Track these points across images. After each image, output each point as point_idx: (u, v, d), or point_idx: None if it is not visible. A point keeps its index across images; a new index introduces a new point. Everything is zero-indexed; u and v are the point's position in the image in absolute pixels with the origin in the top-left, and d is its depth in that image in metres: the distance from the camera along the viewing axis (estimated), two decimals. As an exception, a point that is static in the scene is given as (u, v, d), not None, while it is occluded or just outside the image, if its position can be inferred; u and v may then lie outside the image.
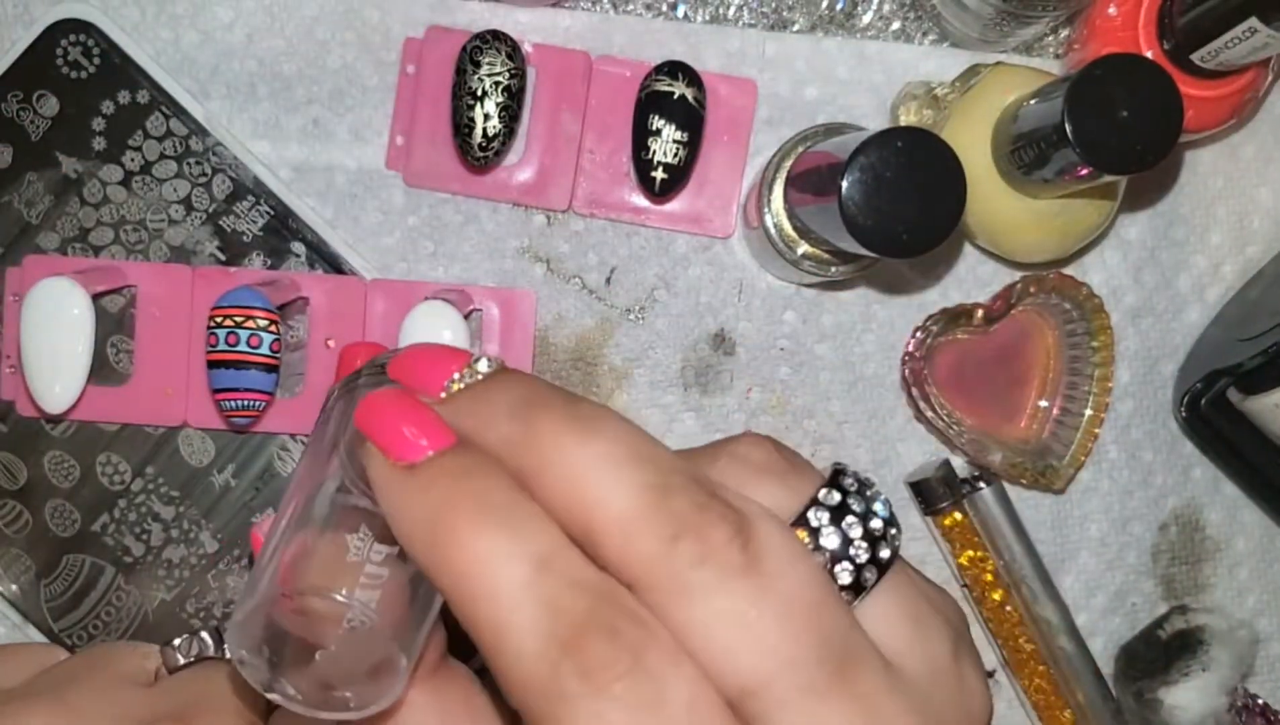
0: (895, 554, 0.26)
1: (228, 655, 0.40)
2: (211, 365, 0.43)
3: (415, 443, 0.25)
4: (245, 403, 0.43)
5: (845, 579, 0.25)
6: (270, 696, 0.28)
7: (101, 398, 0.46)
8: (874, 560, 0.26)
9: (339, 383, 0.30)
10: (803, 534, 0.25)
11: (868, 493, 0.27)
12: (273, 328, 0.43)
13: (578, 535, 0.24)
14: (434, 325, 0.43)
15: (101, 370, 0.46)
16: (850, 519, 0.26)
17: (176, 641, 0.40)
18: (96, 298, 0.44)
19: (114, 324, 0.46)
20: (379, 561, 0.29)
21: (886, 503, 0.27)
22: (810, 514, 0.26)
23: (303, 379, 0.47)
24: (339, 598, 0.28)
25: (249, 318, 0.42)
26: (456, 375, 0.26)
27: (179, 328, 0.46)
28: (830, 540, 0.26)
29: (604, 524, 0.24)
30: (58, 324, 0.43)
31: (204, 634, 0.40)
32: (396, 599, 0.28)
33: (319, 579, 0.28)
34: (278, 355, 0.43)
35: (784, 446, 0.28)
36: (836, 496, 0.26)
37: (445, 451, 0.25)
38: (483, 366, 0.27)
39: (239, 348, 0.42)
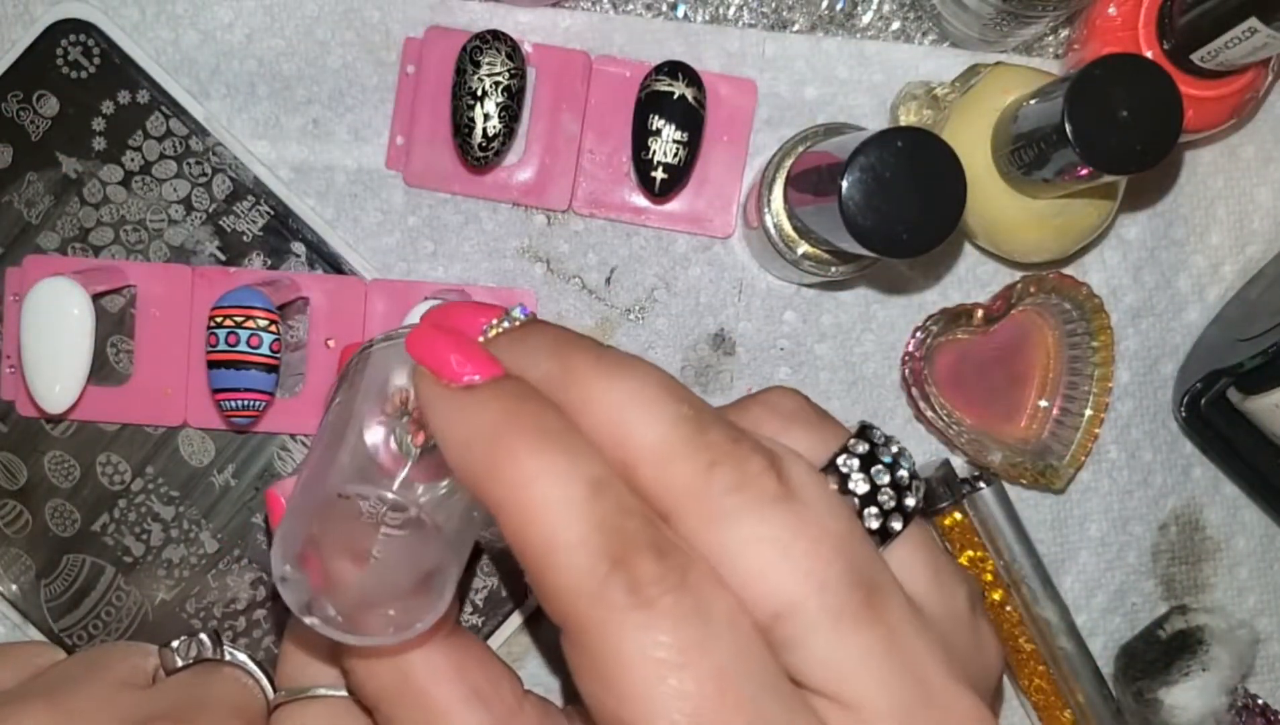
0: (919, 504, 0.27)
1: (228, 657, 0.40)
2: (211, 365, 0.43)
3: (464, 369, 0.26)
4: (245, 403, 0.43)
5: (873, 524, 0.27)
6: (308, 620, 0.28)
7: (101, 398, 0.46)
8: (899, 508, 0.27)
9: (352, 356, 0.31)
10: (832, 480, 0.27)
11: (894, 447, 0.28)
12: (273, 328, 0.43)
13: (615, 470, 0.25)
14: None
15: (101, 370, 0.46)
16: (878, 467, 0.27)
17: (175, 643, 0.40)
18: (96, 298, 0.44)
19: (114, 324, 0.46)
20: (417, 463, 0.29)
21: (911, 458, 0.28)
22: (840, 460, 0.27)
23: (303, 379, 0.47)
24: (389, 494, 0.28)
25: (249, 318, 0.42)
26: (495, 321, 0.28)
27: (179, 328, 0.46)
28: (859, 486, 0.27)
29: (641, 453, 0.25)
30: (58, 324, 0.43)
31: (202, 635, 0.40)
32: (440, 505, 0.29)
33: (366, 479, 0.29)
34: (278, 355, 0.43)
35: (813, 402, 0.29)
36: (865, 446, 0.27)
37: (501, 377, 0.26)
38: (518, 313, 0.28)
39: (239, 348, 0.42)
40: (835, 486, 0.27)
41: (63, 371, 0.43)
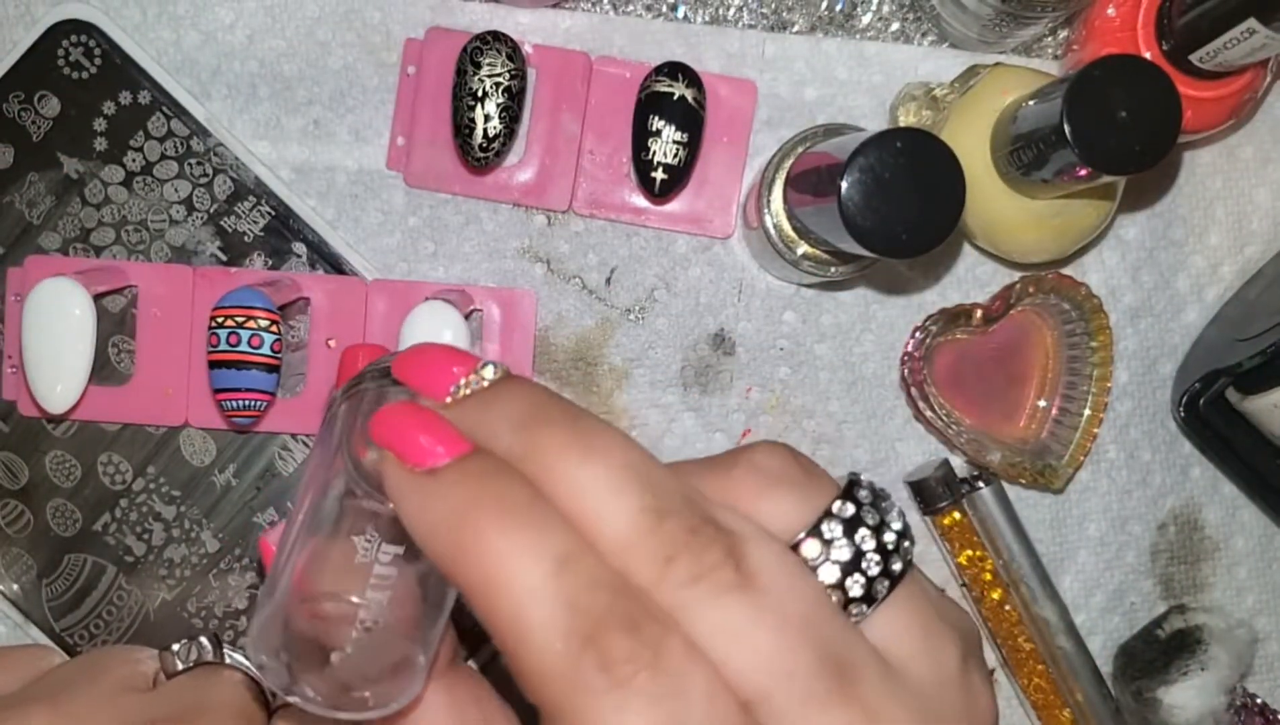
0: (908, 566, 0.26)
1: (228, 660, 0.40)
2: (213, 365, 0.43)
3: (432, 450, 0.25)
4: (246, 403, 0.43)
5: (857, 591, 0.26)
6: (290, 699, 0.28)
7: (103, 397, 0.46)
8: (886, 572, 0.26)
9: (341, 387, 0.31)
10: (816, 544, 0.26)
11: (882, 504, 0.27)
12: (274, 328, 0.43)
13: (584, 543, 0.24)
14: (434, 325, 0.43)
15: (103, 370, 0.46)
16: (863, 532, 0.26)
17: (175, 646, 0.40)
18: (98, 298, 0.44)
19: (115, 324, 0.47)
20: (387, 562, 0.29)
21: (901, 515, 0.27)
22: (824, 526, 0.26)
23: (304, 379, 0.47)
24: (352, 599, 0.28)
25: (250, 318, 0.42)
26: (463, 381, 0.27)
27: (180, 328, 0.46)
28: (842, 552, 0.26)
29: (603, 544, 0.24)
30: (59, 324, 0.43)
31: (203, 639, 0.40)
32: (408, 598, 0.29)
33: (331, 583, 0.29)
34: (279, 355, 0.43)
35: (800, 455, 0.28)
36: (850, 508, 0.26)
37: (465, 456, 0.25)
38: (489, 373, 0.27)
39: (240, 348, 0.42)
40: (819, 552, 0.26)
41: (64, 371, 0.43)
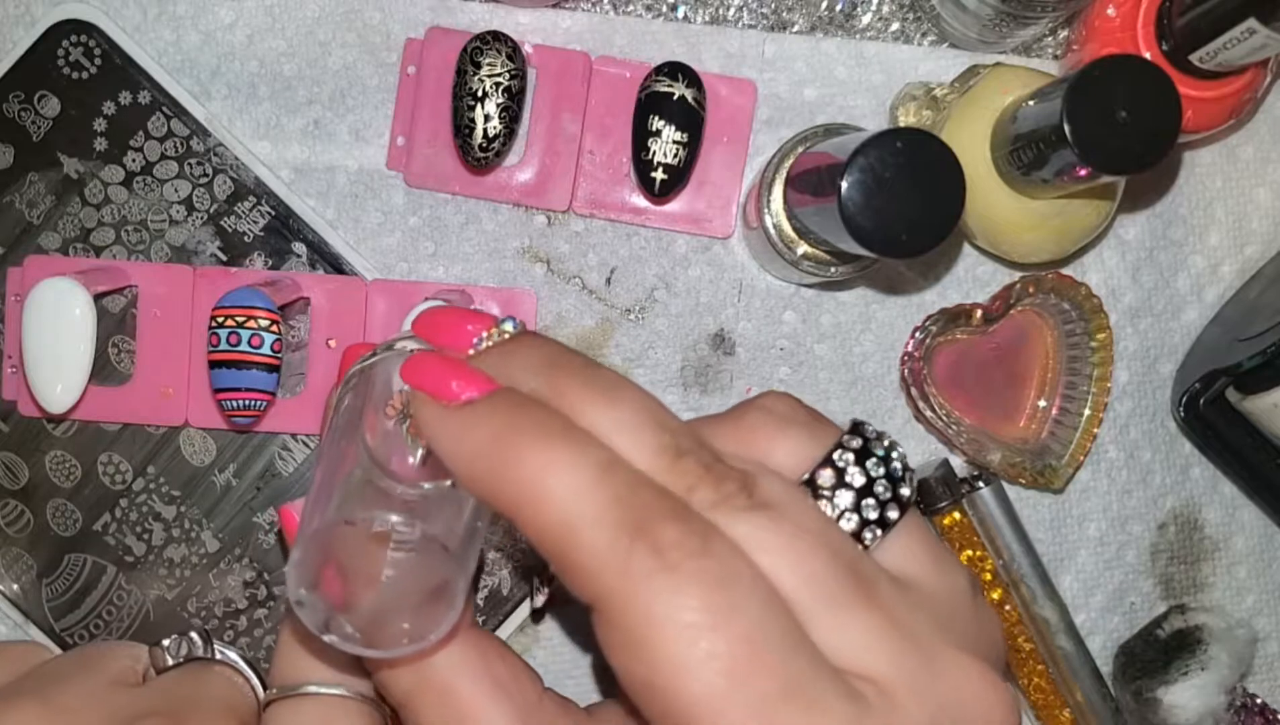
0: (914, 494, 0.28)
1: (218, 656, 0.40)
2: (213, 365, 0.43)
3: (465, 389, 0.27)
4: (247, 402, 0.43)
5: (871, 514, 0.28)
6: (327, 638, 0.29)
7: (103, 398, 0.46)
8: (895, 498, 0.28)
9: (350, 369, 0.31)
10: (830, 473, 0.28)
11: (886, 441, 0.29)
12: (274, 328, 0.43)
13: None
14: None
15: (103, 370, 0.46)
16: (872, 460, 0.28)
17: (166, 642, 0.40)
18: (98, 298, 0.44)
19: (115, 324, 0.47)
20: (417, 496, 0.30)
21: (902, 451, 0.29)
22: (835, 455, 0.28)
23: (304, 379, 0.47)
24: (391, 518, 0.29)
25: (250, 318, 0.42)
26: (484, 334, 0.29)
27: (180, 328, 0.46)
28: (855, 479, 0.28)
29: None
30: (59, 324, 0.43)
31: (193, 634, 0.40)
32: (445, 522, 0.30)
33: (370, 505, 0.29)
34: (279, 355, 0.43)
35: (805, 404, 0.30)
36: (858, 442, 0.28)
37: (496, 390, 0.27)
38: (508, 327, 0.29)
39: (240, 347, 0.42)
40: (832, 480, 0.28)
41: (64, 371, 0.43)
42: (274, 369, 0.43)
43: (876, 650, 0.25)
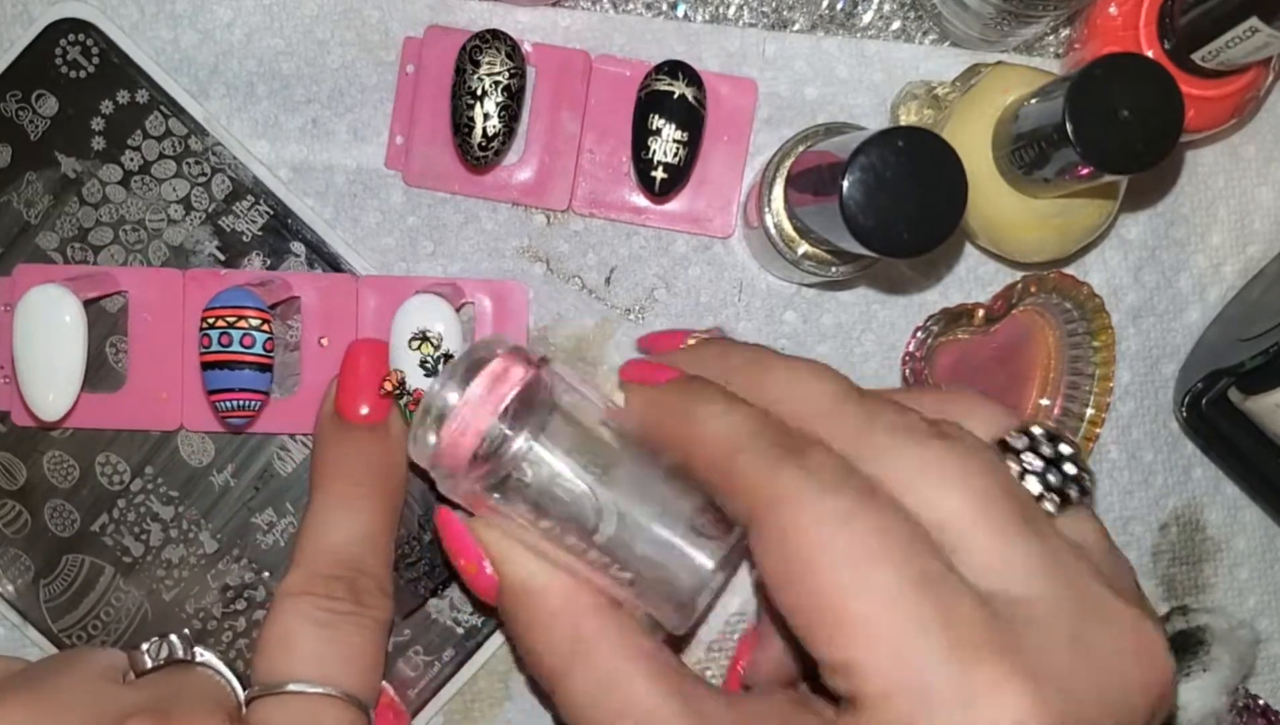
0: (1093, 490, 0.32)
1: (198, 659, 0.40)
2: (205, 366, 0.42)
3: (661, 376, 0.35)
4: (240, 403, 0.43)
5: (1053, 480, 0.31)
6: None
7: (97, 404, 0.46)
8: (1078, 478, 0.31)
9: (528, 372, 0.37)
10: (1023, 438, 0.31)
11: (1072, 445, 0.32)
12: (265, 327, 0.42)
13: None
14: (426, 317, 0.42)
15: (100, 371, 0.46)
16: (1063, 445, 0.31)
17: (145, 645, 0.40)
18: (89, 303, 0.44)
19: (112, 325, 0.46)
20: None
21: (1085, 461, 0.32)
22: (1031, 427, 0.32)
23: (299, 379, 0.46)
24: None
25: (241, 317, 0.42)
26: (689, 339, 0.40)
27: (172, 332, 0.46)
28: (1045, 449, 0.31)
29: (815, 408, 0.31)
30: (50, 331, 0.42)
31: (173, 637, 0.40)
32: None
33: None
34: (271, 354, 0.43)
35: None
36: (1050, 429, 0.31)
37: (681, 375, 0.35)
38: (701, 332, 0.41)
39: (232, 348, 0.42)
40: (1024, 443, 0.31)
41: (57, 379, 0.43)
42: (266, 368, 0.43)
43: (1037, 576, 0.27)
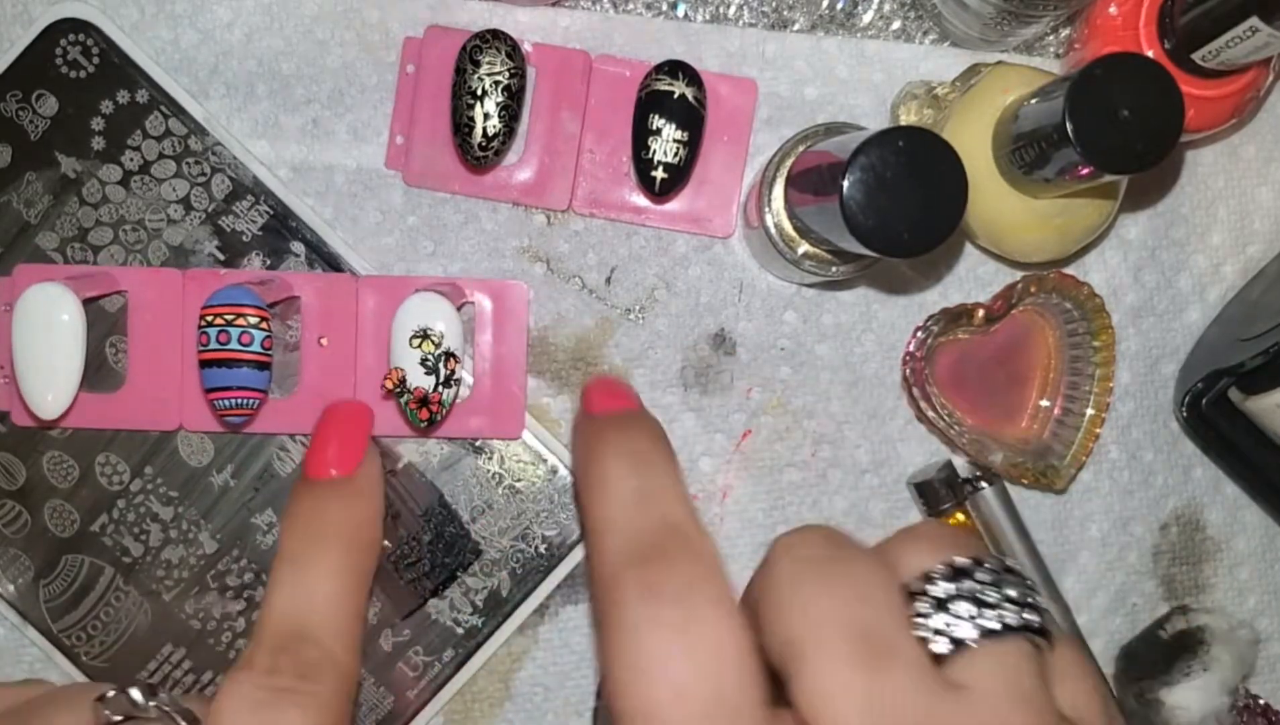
0: (1009, 631, 0.27)
1: (156, 707, 0.38)
2: (203, 364, 0.42)
3: (602, 405, 0.36)
4: (238, 401, 0.42)
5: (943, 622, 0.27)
6: None
7: (96, 404, 0.46)
8: (980, 621, 0.27)
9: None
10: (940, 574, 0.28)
11: (1008, 578, 0.28)
12: (264, 325, 0.42)
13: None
14: (428, 315, 0.42)
15: (100, 371, 0.46)
16: (979, 584, 0.27)
17: (109, 693, 0.37)
18: (88, 303, 0.44)
19: (112, 324, 0.46)
20: None
21: (1025, 592, 0.28)
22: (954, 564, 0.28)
23: (298, 379, 0.46)
24: None
25: (239, 316, 0.42)
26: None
27: (171, 332, 0.46)
28: (945, 588, 0.27)
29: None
30: (49, 330, 0.42)
31: (133, 690, 0.38)
32: None
33: None
34: (269, 352, 0.43)
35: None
36: (971, 564, 0.28)
37: (623, 411, 0.35)
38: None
39: (230, 346, 0.42)
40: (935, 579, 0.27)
41: (56, 378, 0.43)
42: (265, 367, 0.43)
43: (852, 713, 0.25)
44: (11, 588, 0.47)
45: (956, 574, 0.27)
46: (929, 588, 0.27)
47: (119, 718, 0.36)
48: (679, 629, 0.26)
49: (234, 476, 0.47)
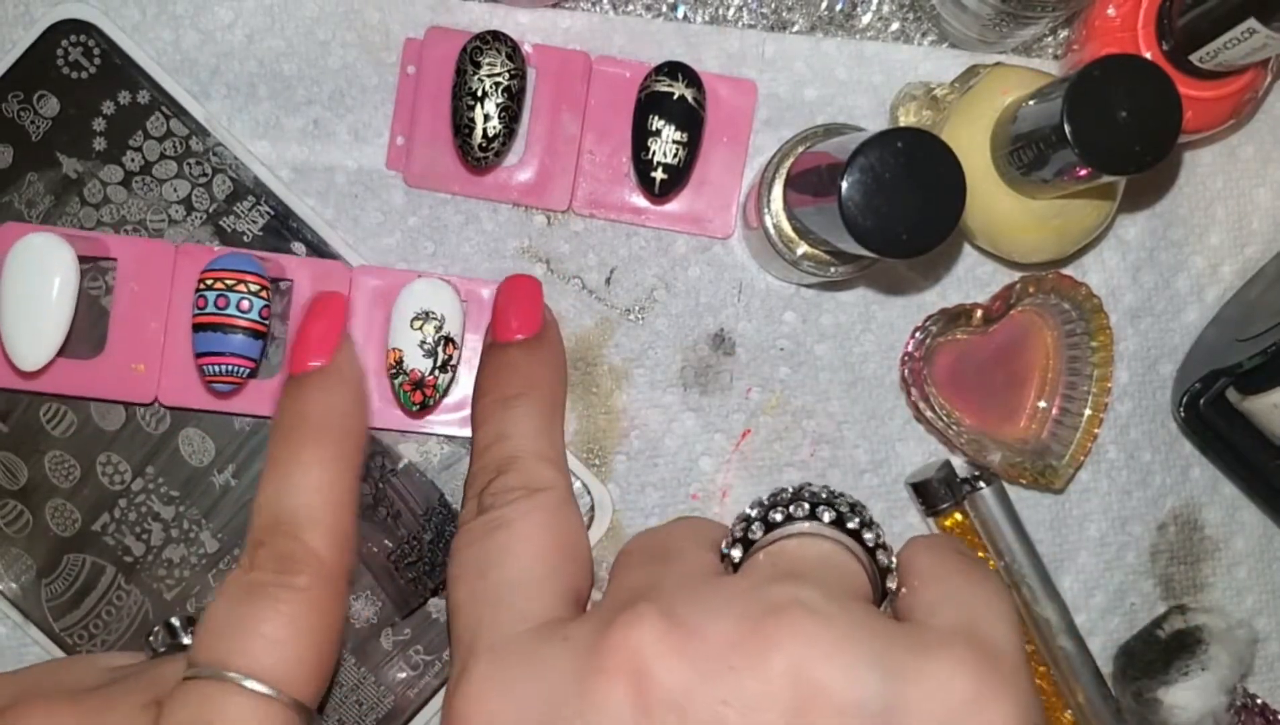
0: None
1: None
2: (197, 328, 0.42)
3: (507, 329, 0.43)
4: (229, 368, 0.42)
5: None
6: None
7: (72, 370, 0.45)
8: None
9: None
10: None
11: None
12: (263, 294, 0.42)
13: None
14: (431, 299, 0.43)
15: (80, 338, 0.46)
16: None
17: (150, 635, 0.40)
18: (85, 260, 0.43)
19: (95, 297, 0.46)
20: None
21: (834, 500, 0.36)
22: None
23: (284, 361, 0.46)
24: None
25: (241, 281, 0.42)
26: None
27: (158, 304, 0.45)
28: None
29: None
30: (42, 276, 0.42)
31: (173, 620, 0.39)
32: None
33: None
34: (266, 322, 0.43)
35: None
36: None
37: (525, 339, 0.43)
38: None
39: (228, 311, 0.42)
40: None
41: (43, 327, 0.42)
42: (259, 336, 0.42)
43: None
44: (14, 587, 0.47)
45: (762, 506, 0.36)
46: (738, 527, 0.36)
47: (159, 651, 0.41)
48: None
49: (235, 476, 0.47)
